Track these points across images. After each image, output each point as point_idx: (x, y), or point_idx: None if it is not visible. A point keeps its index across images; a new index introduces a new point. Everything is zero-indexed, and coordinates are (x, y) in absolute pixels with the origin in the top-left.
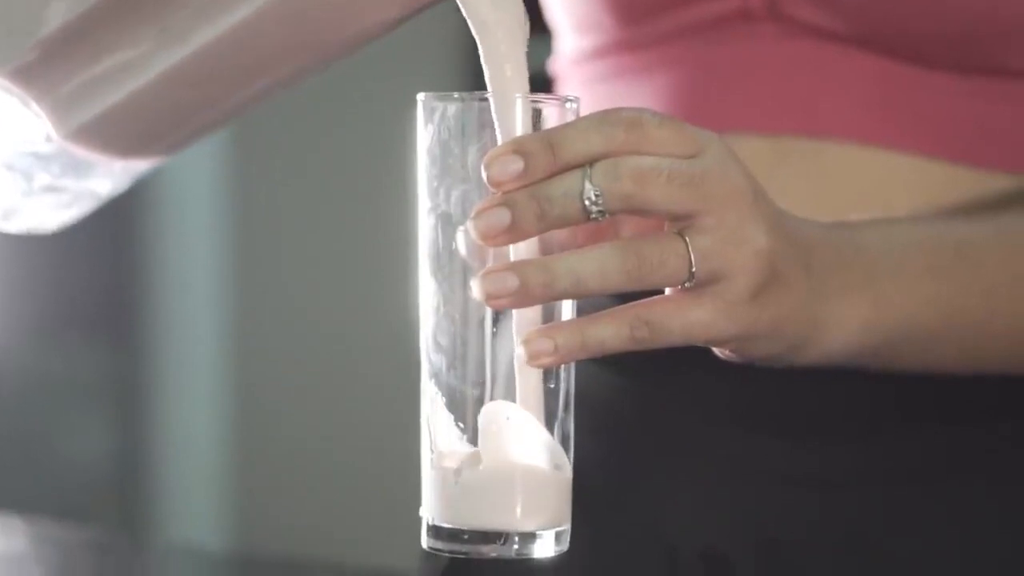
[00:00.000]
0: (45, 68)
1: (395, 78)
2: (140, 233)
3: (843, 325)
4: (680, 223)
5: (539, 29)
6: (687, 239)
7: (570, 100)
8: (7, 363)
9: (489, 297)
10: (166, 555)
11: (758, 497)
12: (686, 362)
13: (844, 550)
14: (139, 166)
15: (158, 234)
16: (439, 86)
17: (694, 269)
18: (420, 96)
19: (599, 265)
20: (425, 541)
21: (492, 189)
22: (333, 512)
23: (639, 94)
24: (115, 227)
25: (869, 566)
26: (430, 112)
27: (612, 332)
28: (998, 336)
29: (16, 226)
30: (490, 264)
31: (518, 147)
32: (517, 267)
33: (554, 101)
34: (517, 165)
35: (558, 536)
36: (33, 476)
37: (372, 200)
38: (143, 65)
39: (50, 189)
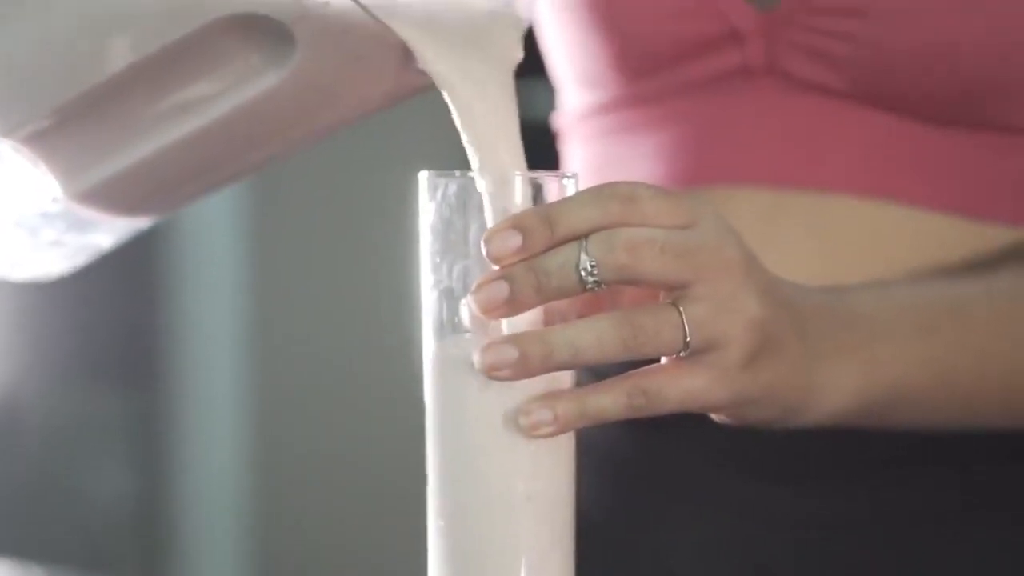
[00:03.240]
0: (57, 133)
1: (404, 152)
2: (161, 278)
3: (837, 389)
4: (675, 293)
5: (539, 74)
6: (681, 309)
7: (568, 176)
8: (30, 407)
9: (491, 369)
10: None
11: (764, 541)
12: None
13: None
14: (141, 223)
15: (178, 279)
16: (444, 162)
17: (688, 339)
18: (422, 174)
19: (596, 336)
20: None
21: (493, 264)
22: (352, 559)
23: (643, 149)
24: (136, 272)
25: None
26: (432, 189)
27: (610, 401)
28: (991, 394)
29: (21, 275)
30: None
31: (516, 223)
32: (516, 339)
33: (553, 177)
34: (515, 240)
35: None
36: (56, 519)
37: (381, 261)
38: (151, 135)
39: (55, 244)
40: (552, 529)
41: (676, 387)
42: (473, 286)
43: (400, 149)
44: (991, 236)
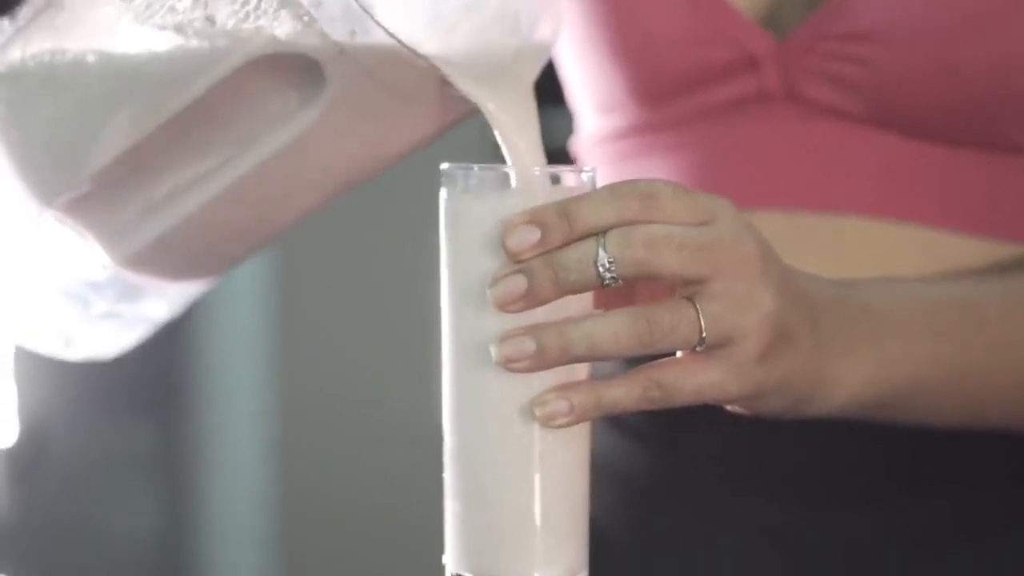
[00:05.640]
0: (99, 198)
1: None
2: (185, 312)
3: (847, 381)
4: (691, 288)
5: (557, 102)
6: (697, 305)
7: (586, 171)
8: (55, 441)
9: (508, 360)
10: None
11: (778, 563)
12: (701, 427)
13: None
14: (191, 288)
15: (203, 312)
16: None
17: (704, 334)
18: (443, 166)
19: (613, 331)
20: None
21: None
22: None
23: (659, 173)
24: None
25: None
26: (452, 181)
27: (625, 392)
28: (1001, 392)
29: (77, 353)
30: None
31: (535, 217)
32: (534, 331)
33: (571, 172)
34: (534, 235)
35: None
36: (81, 551)
37: (404, 265)
38: (193, 190)
39: (107, 315)
40: (567, 516)
41: (691, 380)
42: (491, 279)
43: (423, 185)
44: (1008, 255)
